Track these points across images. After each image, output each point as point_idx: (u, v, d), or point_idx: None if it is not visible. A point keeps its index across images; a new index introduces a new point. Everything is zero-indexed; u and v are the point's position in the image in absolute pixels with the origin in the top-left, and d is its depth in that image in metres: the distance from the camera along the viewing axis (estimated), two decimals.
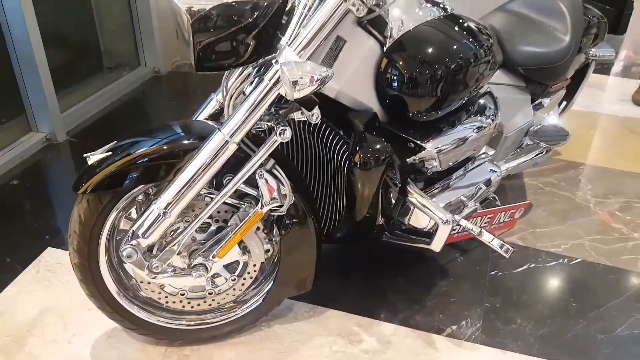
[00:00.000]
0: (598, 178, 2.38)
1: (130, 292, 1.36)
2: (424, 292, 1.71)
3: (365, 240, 1.57)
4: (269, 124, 1.19)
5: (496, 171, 1.60)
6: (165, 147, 1.19)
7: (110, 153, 1.21)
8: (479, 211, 1.78)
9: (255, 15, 1.11)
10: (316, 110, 1.21)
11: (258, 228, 1.30)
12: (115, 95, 3.02)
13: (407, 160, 1.40)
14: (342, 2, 1.07)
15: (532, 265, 1.84)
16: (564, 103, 2.48)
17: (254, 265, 1.37)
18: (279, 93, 1.10)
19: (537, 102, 1.99)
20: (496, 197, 1.95)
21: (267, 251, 1.35)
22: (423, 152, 1.36)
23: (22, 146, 2.42)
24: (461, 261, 1.85)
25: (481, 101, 1.58)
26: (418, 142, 1.34)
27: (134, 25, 3.25)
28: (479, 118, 1.51)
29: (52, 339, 1.48)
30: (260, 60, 1.14)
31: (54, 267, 1.72)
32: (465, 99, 1.44)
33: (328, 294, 1.67)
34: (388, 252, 1.82)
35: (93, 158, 1.22)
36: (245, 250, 1.32)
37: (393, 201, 1.46)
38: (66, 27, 2.77)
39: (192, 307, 1.40)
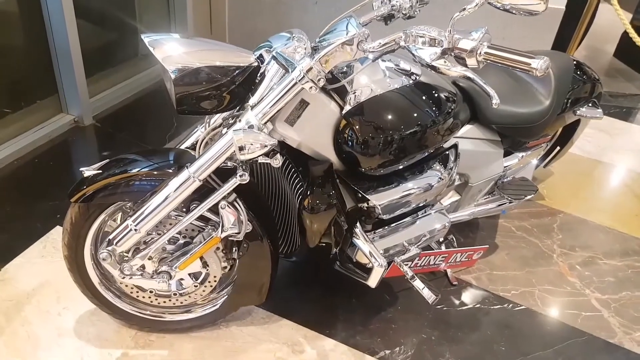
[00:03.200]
0: (572, 229, 2.49)
1: (109, 283, 1.63)
2: (371, 315, 1.91)
3: (321, 264, 1.78)
4: (234, 164, 1.39)
5: (443, 222, 1.76)
6: (145, 172, 1.43)
7: (100, 171, 1.46)
8: (436, 250, 1.97)
9: (230, 75, 1.32)
10: (278, 157, 1.42)
11: (218, 248, 1.53)
12: (145, 83, 3.27)
13: (356, 206, 1.59)
14: (296, 83, 1.26)
15: (478, 305, 2.01)
16: (552, 154, 2.59)
17: (214, 277, 1.61)
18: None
19: (512, 155, 2.12)
20: (454, 238, 2.12)
21: (224, 267, 1.58)
22: (368, 202, 1.54)
23: (51, 127, 2.71)
24: (414, 291, 2.03)
25: (442, 155, 1.74)
26: (363, 194, 1.53)
27: (170, 15, 3.49)
28: (433, 172, 1.67)
29: (46, 309, 1.77)
30: (226, 114, 1.35)
31: (58, 245, 2.01)
32: (421, 156, 1.61)
33: (286, 305, 1.90)
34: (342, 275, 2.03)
35: (87, 172, 1.47)
36: (205, 264, 1.55)
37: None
38: (104, 11, 3.00)
39: (158, 302, 1.65)
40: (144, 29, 3.31)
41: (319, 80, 1.27)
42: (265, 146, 1.27)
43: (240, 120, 1.31)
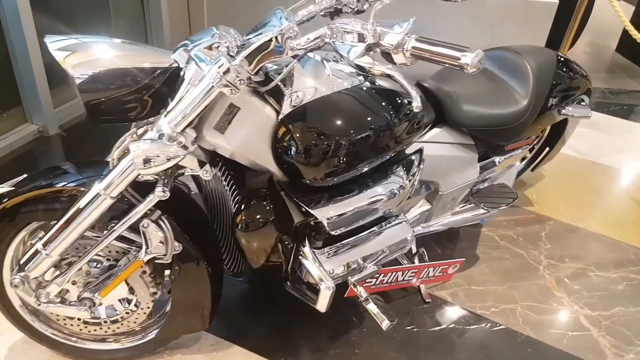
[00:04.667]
0: (561, 237, 2.30)
1: (34, 309, 1.49)
2: (332, 339, 1.75)
3: (272, 284, 1.63)
4: (156, 177, 1.25)
5: (405, 235, 1.59)
6: (69, 188, 1.29)
7: (13, 188, 1.32)
8: (405, 265, 1.81)
9: (147, 78, 1.18)
10: (207, 168, 1.28)
11: (144, 272, 1.39)
12: None
13: (305, 221, 1.44)
14: (213, 87, 1.11)
15: (452, 325, 1.83)
16: (541, 156, 2.41)
17: (147, 303, 1.46)
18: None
19: (488, 160, 1.94)
20: (424, 252, 1.95)
21: (153, 293, 1.43)
22: (310, 216, 1.38)
23: (14, 136, 2.60)
24: (388, 310, 1.86)
25: (405, 161, 1.57)
26: (306, 208, 1.37)
27: (146, 19, 3.37)
28: (393, 180, 1.51)
29: None
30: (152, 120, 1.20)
31: None
32: (375, 163, 1.45)
33: (237, 329, 1.74)
34: None
35: (1, 190, 1.33)
36: (132, 291, 1.40)
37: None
38: (76, 19, 2.90)
39: (89, 331, 1.51)
40: (120, 36, 3.20)
41: (239, 82, 1.12)
42: (171, 159, 1.12)
43: (152, 129, 1.16)
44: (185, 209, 1.44)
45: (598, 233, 2.34)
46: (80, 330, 1.51)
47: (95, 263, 1.38)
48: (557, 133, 2.31)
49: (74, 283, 1.38)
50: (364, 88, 1.39)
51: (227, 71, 1.10)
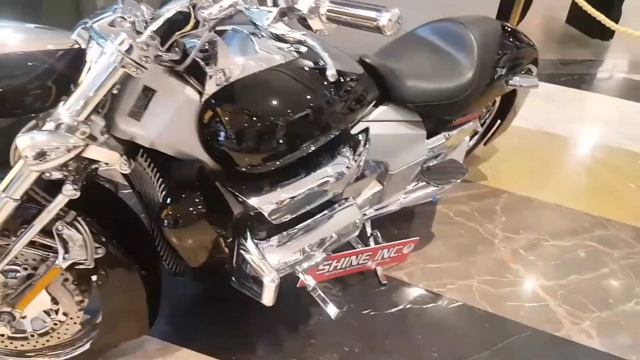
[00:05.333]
0: (516, 209, 2.29)
1: None
2: (288, 331, 1.67)
3: (218, 281, 1.54)
4: (65, 174, 1.12)
5: (354, 219, 1.53)
6: None
7: None
8: (358, 249, 1.74)
9: (46, 63, 1.06)
10: (123, 161, 1.16)
11: (67, 279, 1.27)
12: None
13: (245, 212, 1.35)
14: (116, 67, 0.99)
15: (408, 305, 1.79)
16: (493, 129, 2.38)
17: (76, 313, 1.35)
18: None
19: (437, 136, 1.89)
20: (378, 233, 1.90)
21: (80, 302, 1.32)
22: (249, 206, 1.29)
23: None
24: (338, 297, 1.80)
25: (350, 141, 1.49)
26: (242, 197, 1.28)
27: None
28: (339, 162, 1.43)
29: None
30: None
31: None
32: (316, 145, 1.36)
33: (184, 330, 1.65)
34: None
35: None
36: (55, 300, 1.29)
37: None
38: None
39: (15, 347, 1.39)
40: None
41: (145, 60, 1.01)
42: (70, 150, 1.01)
43: (49, 120, 1.04)
44: (109, 208, 1.33)
45: (552, 203, 2.34)
46: (6, 346, 1.38)
47: (12, 273, 1.25)
48: (507, 105, 2.28)
49: None
50: (299, 64, 1.30)
51: (130, 48, 0.98)
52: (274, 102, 1.24)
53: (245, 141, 1.21)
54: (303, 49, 1.33)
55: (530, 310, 1.81)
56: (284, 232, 1.43)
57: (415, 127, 1.75)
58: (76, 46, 1.09)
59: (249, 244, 1.35)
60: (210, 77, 1.17)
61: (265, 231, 1.42)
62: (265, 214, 1.29)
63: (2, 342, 1.37)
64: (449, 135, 1.90)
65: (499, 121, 2.35)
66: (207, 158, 1.26)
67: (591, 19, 3.70)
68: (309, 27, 0.97)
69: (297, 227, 1.45)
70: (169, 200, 1.20)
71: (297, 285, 1.55)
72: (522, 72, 2.05)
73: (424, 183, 1.88)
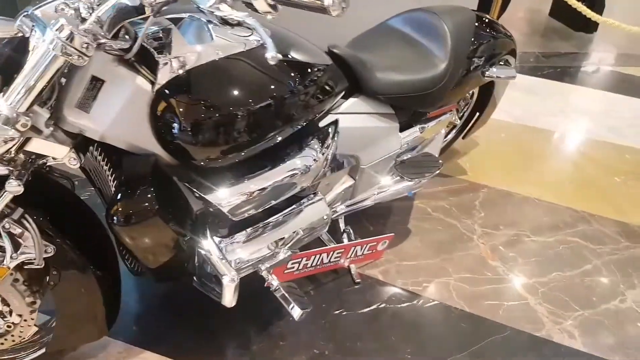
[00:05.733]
0: (496, 204, 2.24)
1: None
2: (256, 332, 1.61)
3: (178, 281, 1.47)
4: (10, 169, 1.06)
5: (321, 215, 1.47)
6: None
7: None
8: (329, 247, 1.68)
9: None
10: (72, 155, 1.10)
11: (17, 280, 1.20)
12: None
13: (205, 209, 1.29)
14: (56, 55, 0.93)
15: (382, 305, 1.73)
16: (472, 122, 2.33)
17: (30, 315, 1.28)
18: None
19: (411, 129, 1.83)
20: (350, 230, 1.84)
21: (32, 303, 1.25)
22: (208, 202, 1.23)
23: None
24: (311, 296, 1.74)
25: (315, 134, 1.43)
26: (199, 193, 1.21)
27: None
28: (306, 154, 1.37)
29: None
30: None
31: None
32: (280, 138, 1.30)
33: (148, 333, 1.58)
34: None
35: None
36: (5, 302, 1.22)
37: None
38: None
39: None
40: None
41: (87, 48, 0.94)
42: (6, 142, 0.94)
43: None
44: (62, 205, 1.26)
45: (533, 197, 2.30)
46: None
47: None
48: (486, 97, 2.23)
49: None
50: (261, 52, 1.24)
51: (71, 35, 0.92)
52: (232, 92, 1.18)
53: (201, 133, 1.15)
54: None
55: (509, 310, 1.76)
56: (248, 229, 1.37)
57: (388, 119, 1.70)
58: (20, 34, 1.03)
59: (209, 242, 1.28)
60: (163, 65, 1.11)
61: (227, 228, 1.35)
62: (224, 210, 1.23)
63: None
64: (423, 128, 1.85)
65: (477, 114, 2.30)
66: (161, 152, 1.19)
67: (575, 12, 3.67)
68: (253, 8, 0.91)
69: (261, 223, 1.38)
70: (119, 196, 1.13)
71: (265, 285, 1.49)
72: (500, 63, 2.01)
73: (399, 178, 1.83)
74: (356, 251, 1.76)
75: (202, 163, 1.21)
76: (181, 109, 1.12)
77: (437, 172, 1.84)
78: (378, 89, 1.59)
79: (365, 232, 1.99)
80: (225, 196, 1.23)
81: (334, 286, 1.78)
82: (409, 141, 1.81)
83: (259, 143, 1.24)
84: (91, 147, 1.27)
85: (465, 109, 2.36)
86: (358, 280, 1.80)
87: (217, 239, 1.32)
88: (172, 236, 1.23)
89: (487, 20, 1.99)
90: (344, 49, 1.55)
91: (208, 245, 1.29)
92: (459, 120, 2.35)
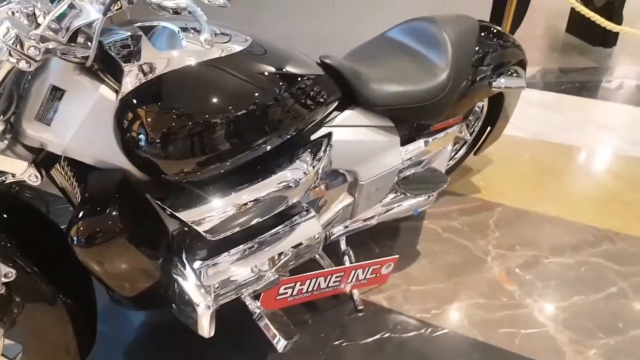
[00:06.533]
0: (512, 224, 2.08)
1: None
2: None
3: (155, 308, 1.37)
4: None
5: (312, 234, 1.35)
6: None
7: None
8: (326, 270, 1.56)
9: None
10: (31, 171, 1.02)
11: None
12: None
13: (179, 229, 1.19)
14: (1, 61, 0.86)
15: (387, 334, 1.59)
16: (482, 138, 2.21)
17: None
18: None
19: (413, 143, 1.71)
20: (350, 252, 1.72)
21: None
22: (180, 220, 1.13)
23: None
24: (309, 324, 1.61)
25: (305, 147, 1.33)
26: (170, 210, 1.11)
27: None
28: (295, 167, 1.26)
29: None
30: None
31: None
32: (257, 151, 1.20)
33: None
34: (226, 310, 1.60)
35: None
36: None
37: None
38: None
39: None
40: None
41: (38, 52, 0.87)
42: None
43: None
44: (32, 227, 1.18)
45: (552, 216, 2.13)
46: None
47: None
48: (496, 110, 2.11)
49: None
50: (239, 58, 1.16)
51: (16, 39, 0.85)
52: (204, 100, 1.09)
53: (170, 145, 1.05)
54: (243, 41, 1.19)
55: (527, 338, 1.59)
56: (231, 250, 1.26)
57: (387, 132, 1.59)
58: None
59: (181, 265, 1.18)
60: (128, 73, 1.03)
61: (207, 249, 1.25)
62: (199, 230, 1.13)
63: None
64: (427, 141, 1.73)
65: (488, 128, 2.18)
66: (130, 166, 1.11)
67: (592, 27, 3.53)
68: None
69: (244, 244, 1.27)
70: (80, 214, 1.04)
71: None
72: (508, 73, 1.89)
73: (402, 194, 1.71)
74: (357, 275, 1.63)
75: (175, 177, 1.11)
76: (148, 119, 1.03)
77: (443, 188, 1.72)
78: (373, 100, 1.49)
79: (370, 254, 1.86)
80: (199, 213, 1.12)
81: (334, 314, 1.65)
82: (411, 156, 1.70)
83: (236, 155, 1.14)
84: (61, 163, 1.20)
85: (475, 124, 2.24)
86: (361, 307, 1.66)
87: (196, 262, 1.21)
88: (143, 260, 1.13)
89: (493, 29, 1.89)
90: (337, 60, 1.46)
91: (183, 269, 1.18)
92: (469, 136, 2.22)
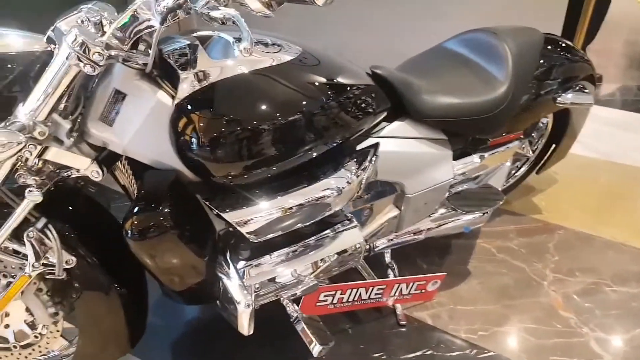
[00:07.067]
0: (573, 248, 1.97)
1: None
2: None
3: (203, 303, 1.42)
4: (35, 178, 1.08)
5: (354, 243, 1.35)
6: None
7: None
8: (368, 281, 1.56)
9: (19, 67, 1.05)
10: (94, 167, 1.11)
11: (40, 290, 1.22)
12: None
13: (225, 229, 1.24)
14: (67, 63, 0.95)
15: (429, 352, 1.55)
16: (545, 157, 2.12)
17: (56, 326, 1.29)
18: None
19: (468, 158, 1.67)
20: (394, 265, 1.70)
21: (54, 314, 1.25)
22: (226, 221, 1.18)
23: None
24: (349, 334, 1.61)
25: (350, 156, 1.34)
26: (217, 211, 1.16)
27: None
28: (334, 177, 1.28)
29: None
30: None
31: None
32: (304, 157, 1.23)
33: (176, 357, 1.53)
34: (266, 314, 1.63)
35: None
36: (29, 312, 1.24)
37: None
38: None
39: None
40: None
41: (101, 57, 0.95)
42: (21, 147, 0.96)
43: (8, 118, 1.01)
44: (92, 220, 1.27)
45: (618, 241, 2.00)
46: None
47: None
48: (562, 127, 2.02)
49: None
50: (289, 68, 1.20)
51: (83, 45, 0.93)
52: (253, 107, 1.13)
53: (219, 149, 1.11)
54: (294, 51, 1.23)
55: None
56: (273, 253, 1.30)
57: (438, 145, 1.56)
58: (49, 48, 1.07)
59: (227, 264, 1.23)
60: (184, 79, 1.10)
61: (251, 251, 1.29)
62: (243, 232, 1.17)
63: None
64: (482, 156, 1.68)
65: (553, 146, 2.08)
66: (182, 167, 1.17)
67: None
68: (247, 7, 0.87)
69: (287, 248, 1.30)
70: (135, 210, 1.11)
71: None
72: (575, 88, 1.81)
73: (452, 210, 1.67)
74: (401, 289, 1.61)
75: (223, 180, 1.17)
76: (200, 124, 1.09)
77: (497, 206, 1.66)
78: (425, 111, 1.48)
79: (416, 270, 1.84)
80: (243, 215, 1.17)
81: (375, 326, 1.64)
82: (465, 170, 1.66)
83: (282, 161, 1.18)
84: (122, 162, 1.29)
85: (539, 141, 2.15)
86: (403, 322, 1.64)
87: (240, 262, 1.26)
88: (191, 256, 1.18)
89: (559, 42, 1.81)
90: (387, 70, 1.47)
91: (227, 268, 1.23)
92: (531, 153, 2.14)
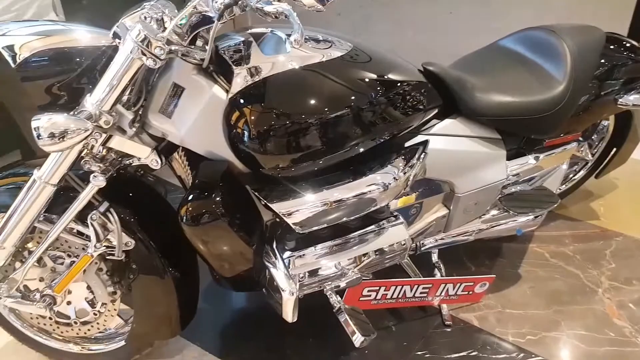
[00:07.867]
0: (631, 255, 1.88)
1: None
2: (329, 358, 1.53)
3: (250, 290, 1.47)
4: (99, 165, 1.16)
5: (399, 239, 1.36)
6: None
7: None
8: (414, 279, 1.57)
9: (88, 59, 1.13)
10: (153, 157, 1.18)
11: (101, 269, 1.30)
12: None
13: (274, 220, 1.28)
14: (131, 57, 1.01)
15: (473, 353, 1.53)
16: (606, 161, 2.03)
17: (113, 304, 1.38)
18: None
19: (522, 158, 1.64)
20: (440, 264, 1.68)
21: (112, 293, 1.34)
22: (274, 212, 1.21)
23: None
24: (392, 332, 1.61)
25: (399, 153, 1.35)
26: (265, 201, 1.20)
27: None
28: (381, 173, 1.28)
29: None
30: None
31: None
32: (351, 152, 1.25)
33: (226, 342, 1.60)
34: (310, 306, 1.66)
35: None
36: (90, 289, 1.33)
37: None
38: None
39: (61, 332, 1.45)
40: None
41: (161, 51, 1.01)
42: (88, 133, 1.03)
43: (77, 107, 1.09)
44: (149, 206, 1.35)
45: None
46: (53, 330, 1.46)
47: (60, 260, 1.32)
48: (624, 130, 1.93)
49: (41, 280, 1.33)
50: (338, 64, 1.22)
51: (145, 39, 0.99)
52: (303, 101, 1.17)
53: (269, 142, 1.15)
54: (345, 47, 1.26)
55: None
56: (318, 245, 1.32)
57: (491, 144, 1.54)
58: (114, 43, 1.15)
59: (274, 253, 1.27)
60: (237, 74, 1.15)
61: (296, 241, 1.32)
62: (289, 222, 1.20)
63: (51, 325, 1.44)
64: (538, 157, 1.64)
65: (614, 150, 1.99)
66: (234, 159, 1.22)
67: None
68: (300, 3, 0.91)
69: (332, 241, 1.33)
70: (189, 197, 1.17)
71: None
72: (638, 89, 1.72)
73: (504, 212, 1.64)
74: (447, 289, 1.60)
75: (272, 172, 1.21)
76: (252, 117, 1.14)
77: (551, 209, 1.61)
78: (478, 110, 1.46)
79: (465, 271, 1.81)
80: (290, 206, 1.20)
81: (419, 324, 1.63)
82: (519, 171, 1.63)
83: (329, 155, 1.21)
84: (179, 153, 1.36)
85: (599, 144, 2.06)
86: (448, 322, 1.62)
87: (286, 252, 1.30)
88: (240, 244, 1.23)
89: (623, 41, 1.74)
90: (440, 67, 1.46)
91: (274, 257, 1.27)
92: (590, 156, 2.05)
